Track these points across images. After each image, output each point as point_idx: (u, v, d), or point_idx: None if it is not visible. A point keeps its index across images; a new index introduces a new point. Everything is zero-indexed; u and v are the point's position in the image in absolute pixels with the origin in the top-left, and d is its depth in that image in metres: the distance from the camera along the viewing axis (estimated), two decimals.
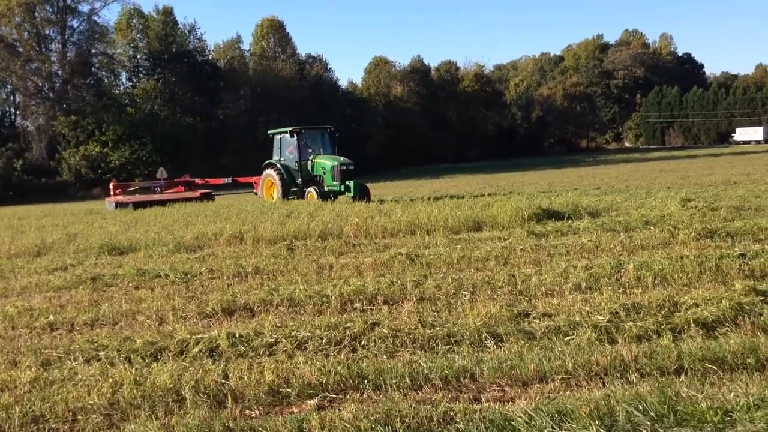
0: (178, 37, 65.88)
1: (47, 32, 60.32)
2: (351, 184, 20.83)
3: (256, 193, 24.88)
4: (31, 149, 56.81)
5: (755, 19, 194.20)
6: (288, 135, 22.63)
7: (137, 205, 22.26)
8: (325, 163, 21.47)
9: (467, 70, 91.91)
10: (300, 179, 22.19)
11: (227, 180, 27.61)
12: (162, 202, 22.43)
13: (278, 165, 22.87)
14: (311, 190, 21.27)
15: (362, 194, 20.75)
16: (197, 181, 28.21)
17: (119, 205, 23.23)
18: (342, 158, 21.51)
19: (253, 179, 25.64)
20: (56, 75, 60.39)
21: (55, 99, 58.88)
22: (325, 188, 21.09)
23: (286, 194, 22.10)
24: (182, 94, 62.90)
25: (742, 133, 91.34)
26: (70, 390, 4.66)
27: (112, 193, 25.48)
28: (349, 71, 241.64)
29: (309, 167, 22.02)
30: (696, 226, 10.11)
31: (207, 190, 26.52)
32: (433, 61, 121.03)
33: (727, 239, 9.19)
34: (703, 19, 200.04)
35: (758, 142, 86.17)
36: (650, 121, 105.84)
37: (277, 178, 22.46)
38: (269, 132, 24.45)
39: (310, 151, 22.43)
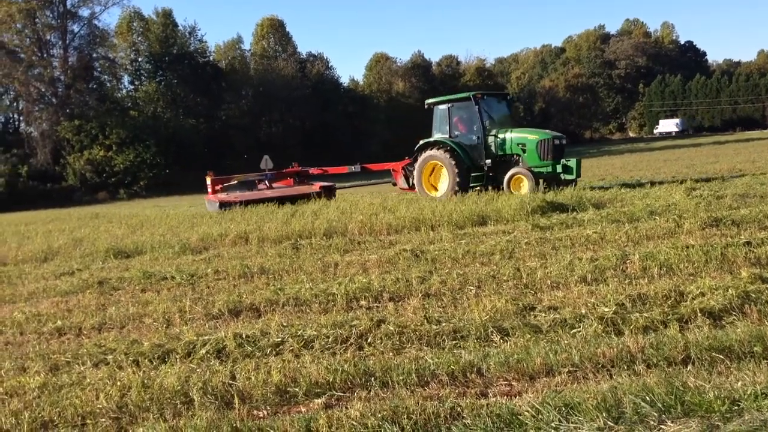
0: (178, 39, 65.98)
1: (48, 38, 60.51)
2: (572, 162, 16.44)
3: (394, 185, 20.21)
4: (36, 155, 56.95)
5: (757, 6, 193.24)
6: (467, 102, 17.48)
7: (249, 204, 17.93)
8: (527, 137, 16.86)
9: (468, 64, 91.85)
10: (485, 160, 17.14)
11: (354, 168, 21.72)
12: (277, 200, 18.07)
13: (449, 143, 17.44)
14: (520, 173, 16.40)
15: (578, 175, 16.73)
16: (312, 170, 22.40)
17: (225, 205, 18.51)
18: (549, 131, 17.35)
19: (390, 166, 20.29)
20: (58, 80, 60.55)
21: (58, 104, 59.03)
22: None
23: (464, 182, 16.98)
24: (184, 95, 63.04)
25: (663, 125, 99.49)
26: (79, 394, 4.67)
27: (210, 189, 20.29)
28: (350, 68, 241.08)
29: (496, 144, 17.13)
30: (701, 215, 10.08)
31: (327, 183, 21.04)
32: (434, 56, 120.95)
33: (733, 227, 9.16)
34: (704, 7, 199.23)
35: (676, 132, 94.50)
36: (653, 111, 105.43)
37: (449, 160, 17.16)
38: (428, 101, 18.99)
39: (488, 123, 17.43)
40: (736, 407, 3.62)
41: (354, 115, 71.27)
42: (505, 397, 4.20)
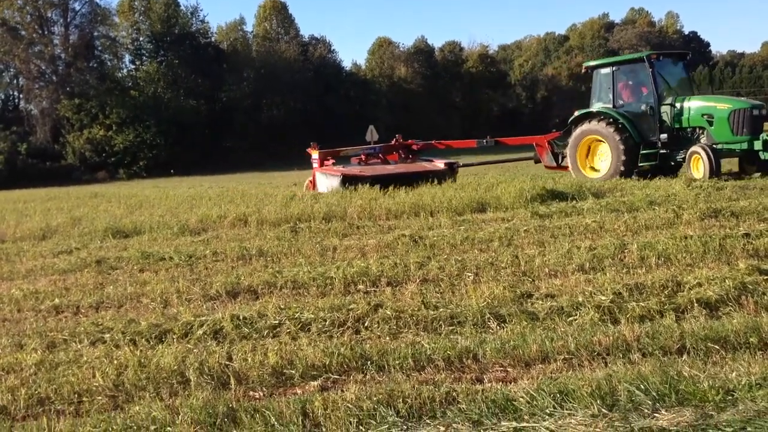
0: (180, 19, 65.46)
1: (49, 15, 60.07)
2: None
3: (537, 162, 17.96)
4: (36, 133, 56.72)
5: None
6: (639, 64, 15.06)
7: (376, 182, 14.63)
8: (715, 105, 14.14)
9: (471, 50, 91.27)
10: (659, 135, 14.57)
11: (486, 142, 18.65)
12: (401, 179, 14.77)
13: (613, 114, 14.97)
14: (697, 152, 13.68)
15: None
16: (435, 143, 19.30)
17: (351, 180, 15.15)
18: (744, 99, 14.90)
19: (533, 140, 17.97)
20: (59, 58, 60.18)
21: (59, 82, 58.71)
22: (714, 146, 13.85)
23: (631, 161, 14.71)
24: (185, 76, 62.57)
25: None
26: (76, 372, 4.69)
27: (318, 163, 16.61)
28: (352, 52, 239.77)
29: (672, 115, 14.53)
30: (701, 205, 10.09)
31: (450, 160, 17.54)
32: (437, 41, 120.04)
33: (732, 219, 9.17)
34: None
35: None
36: None
37: (614, 135, 14.76)
38: (586, 64, 16.66)
39: (662, 90, 14.87)
40: (730, 397, 3.64)
41: (355, 99, 70.98)
42: (501, 383, 4.22)
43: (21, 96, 63.29)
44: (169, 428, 3.73)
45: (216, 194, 18.61)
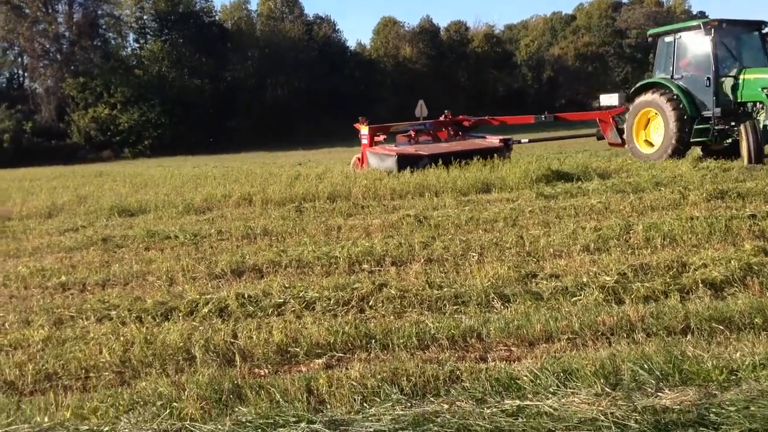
0: None
1: None
2: None
3: (600, 138, 17.12)
4: (41, 111, 56.68)
5: None
6: (697, 31, 13.80)
7: (434, 160, 14.00)
8: None
9: (477, 30, 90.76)
10: (714, 109, 13.47)
11: (545, 118, 18.07)
12: (459, 156, 14.07)
13: (670, 86, 14.03)
14: (741, 129, 12.87)
15: None
16: (489, 119, 18.08)
17: (408, 160, 14.20)
18: None
19: (596, 115, 17.14)
20: (63, 37, 60.00)
21: (63, 61, 58.58)
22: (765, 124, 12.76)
23: (685, 137, 13.72)
24: (189, 55, 62.33)
25: (604, 99, 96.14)
26: (83, 348, 4.73)
27: (367, 140, 15.50)
28: (357, 32, 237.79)
29: (728, 89, 13.47)
30: (707, 187, 10.05)
31: (505, 137, 16.34)
32: (442, 21, 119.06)
33: (738, 200, 9.13)
34: None
35: (615, 106, 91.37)
36: None
37: (668, 108, 13.77)
38: (650, 32, 15.93)
39: (727, 61, 13.81)
40: (733, 377, 3.65)
41: (360, 79, 70.65)
42: (505, 362, 4.24)
43: (26, 74, 63.22)
44: (175, 404, 3.75)
45: (221, 174, 18.60)
